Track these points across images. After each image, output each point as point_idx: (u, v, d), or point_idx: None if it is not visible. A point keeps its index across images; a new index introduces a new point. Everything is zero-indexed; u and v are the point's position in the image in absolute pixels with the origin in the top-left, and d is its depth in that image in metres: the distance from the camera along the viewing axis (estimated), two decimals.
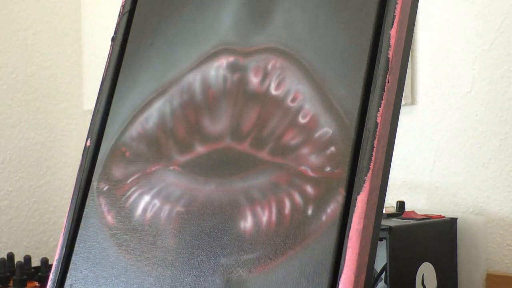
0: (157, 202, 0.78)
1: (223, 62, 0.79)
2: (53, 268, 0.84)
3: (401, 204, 1.23)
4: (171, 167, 0.79)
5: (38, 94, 1.84)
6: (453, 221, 1.19)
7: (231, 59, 0.79)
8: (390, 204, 1.30)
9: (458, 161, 1.30)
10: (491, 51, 1.27)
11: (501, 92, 1.25)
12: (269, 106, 0.73)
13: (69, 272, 0.83)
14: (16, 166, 1.80)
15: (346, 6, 0.71)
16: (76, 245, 0.84)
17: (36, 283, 1.51)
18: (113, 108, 0.88)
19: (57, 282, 0.83)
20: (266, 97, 0.74)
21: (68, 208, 0.86)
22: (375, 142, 0.64)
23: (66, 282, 0.82)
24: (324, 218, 0.65)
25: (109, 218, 0.82)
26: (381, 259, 1.03)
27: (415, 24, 0.73)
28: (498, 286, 1.19)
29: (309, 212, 0.66)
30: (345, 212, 0.64)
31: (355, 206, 0.63)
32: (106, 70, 0.90)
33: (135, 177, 0.82)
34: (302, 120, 0.70)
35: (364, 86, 0.66)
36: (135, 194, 0.81)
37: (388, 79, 0.65)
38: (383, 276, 1.05)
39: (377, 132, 0.64)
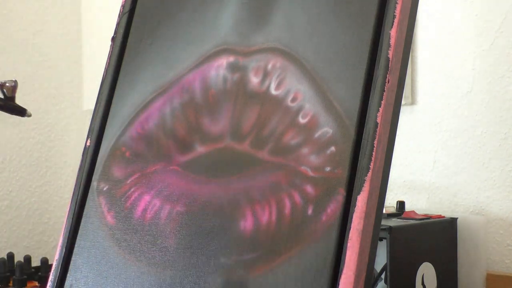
0: (157, 202, 0.78)
1: (223, 62, 0.79)
2: (53, 268, 0.84)
3: (401, 204, 1.23)
4: (171, 167, 0.79)
5: (38, 94, 1.84)
6: (453, 221, 1.19)
7: (231, 59, 0.79)
8: (390, 204, 1.30)
9: (458, 161, 1.30)
10: (491, 51, 1.27)
11: (501, 92, 1.25)
12: (269, 106, 0.73)
13: (69, 272, 0.83)
14: (16, 166, 1.80)
15: (346, 6, 0.71)
16: (76, 245, 0.84)
17: (36, 283, 1.51)
18: (113, 108, 0.88)
19: (57, 282, 0.83)
20: (266, 97, 0.74)
21: (68, 208, 0.86)
22: (375, 142, 0.64)
23: (66, 282, 0.82)
24: (324, 218, 0.65)
25: (109, 218, 0.82)
26: (381, 259, 1.03)
27: (415, 24, 0.72)
28: (498, 286, 1.19)
29: (309, 212, 0.66)
30: (345, 212, 0.64)
31: (355, 206, 0.63)
32: (106, 70, 0.90)
33: (135, 177, 0.82)
34: (302, 120, 0.70)
35: (364, 86, 0.66)
36: (135, 194, 0.81)
37: (388, 79, 0.65)
38: (383, 276, 1.05)
39: (377, 132, 0.64)
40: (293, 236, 0.66)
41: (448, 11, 1.33)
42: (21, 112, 0.63)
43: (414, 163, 1.37)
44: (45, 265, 1.53)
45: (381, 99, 0.65)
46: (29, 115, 0.64)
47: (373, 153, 0.63)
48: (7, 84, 0.62)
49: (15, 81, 0.62)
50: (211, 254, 0.71)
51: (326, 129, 0.68)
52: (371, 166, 0.63)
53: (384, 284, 1.04)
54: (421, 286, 1.07)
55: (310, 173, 0.67)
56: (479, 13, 1.28)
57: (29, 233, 1.84)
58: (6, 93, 0.62)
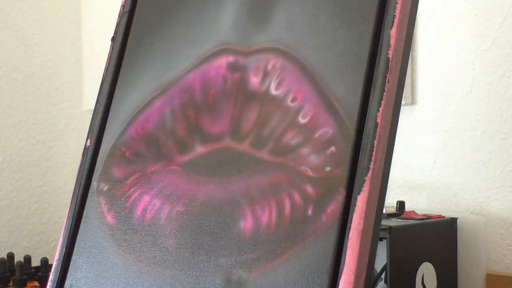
0: (157, 202, 0.78)
1: (223, 62, 0.79)
2: (53, 268, 0.84)
3: (401, 204, 1.23)
4: (171, 167, 0.79)
5: (38, 94, 1.84)
6: (453, 221, 1.19)
7: (231, 59, 0.79)
8: (390, 204, 1.30)
9: (458, 161, 1.30)
10: (491, 51, 1.27)
11: (501, 92, 1.25)
12: (269, 106, 0.73)
13: (69, 272, 0.83)
14: (16, 166, 1.80)
15: (346, 6, 0.71)
16: (76, 245, 0.84)
17: (36, 283, 1.51)
18: (113, 108, 0.88)
19: (57, 282, 0.83)
20: (266, 97, 0.74)
21: (68, 208, 0.86)
22: (375, 142, 0.64)
23: (66, 282, 0.82)
24: (324, 218, 0.65)
25: (109, 218, 0.82)
26: (381, 259, 1.03)
27: (415, 24, 0.72)
28: (498, 286, 1.19)
29: (309, 212, 0.66)
30: (345, 212, 0.64)
31: (355, 206, 0.63)
32: (106, 70, 0.90)
33: (135, 177, 0.82)
34: (302, 120, 0.70)
35: (364, 86, 0.66)
36: (135, 194, 0.81)
37: (388, 79, 0.65)
38: (383, 276, 1.05)
39: (377, 132, 0.64)
40: (293, 236, 0.66)
41: (448, 11, 1.33)
42: None
43: (414, 163, 1.37)
44: (45, 265, 1.53)
45: (381, 99, 0.65)
46: None
47: (373, 153, 0.63)
48: None
49: None
50: (211, 254, 0.71)
51: (326, 129, 0.68)
52: (371, 166, 0.63)
53: (384, 284, 1.04)
54: (421, 286, 1.07)
55: (310, 173, 0.67)
56: (479, 13, 1.28)
57: (29, 233, 1.84)
58: None
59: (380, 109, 0.64)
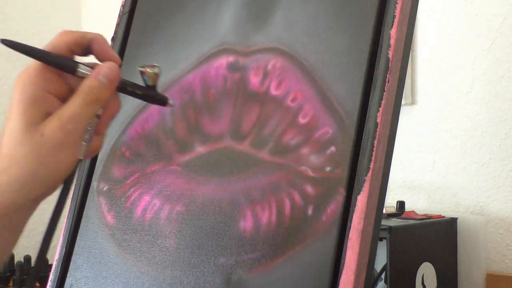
0: (157, 202, 0.78)
1: (223, 62, 0.79)
2: (53, 268, 0.84)
3: (401, 204, 1.23)
4: (171, 167, 0.79)
5: None
6: (453, 221, 1.19)
7: (231, 59, 0.79)
8: (390, 204, 1.30)
9: (458, 161, 1.30)
10: (491, 51, 1.27)
11: (501, 92, 1.25)
12: (269, 106, 0.73)
13: (69, 272, 0.83)
14: None
15: (346, 6, 0.71)
16: (76, 245, 0.84)
17: (36, 283, 1.51)
18: None
19: (57, 282, 0.83)
20: (266, 97, 0.74)
21: (68, 208, 0.86)
22: (375, 142, 0.64)
23: (66, 282, 0.82)
24: (324, 218, 0.65)
25: (109, 218, 0.82)
26: (381, 259, 1.03)
27: (415, 24, 0.72)
28: (498, 286, 1.19)
29: (309, 212, 0.66)
30: (345, 212, 0.64)
31: (355, 206, 0.63)
32: None
33: (135, 177, 0.82)
34: (302, 120, 0.70)
35: (364, 86, 0.66)
36: (135, 194, 0.81)
37: (388, 79, 0.65)
38: (383, 276, 1.05)
39: (377, 132, 0.64)
40: (293, 236, 0.66)
41: (448, 11, 1.33)
42: (163, 101, 0.57)
43: (414, 163, 1.37)
44: (45, 265, 1.53)
45: (381, 99, 0.65)
46: (172, 105, 0.57)
47: (373, 153, 0.63)
48: (148, 70, 0.55)
49: (158, 67, 0.55)
50: (211, 254, 0.71)
51: (326, 129, 0.68)
52: (371, 166, 0.63)
53: (384, 284, 1.04)
54: (421, 286, 1.07)
55: (310, 173, 0.67)
56: (479, 13, 1.28)
57: (29, 233, 1.83)
58: (147, 81, 0.55)
59: (380, 109, 0.64)
